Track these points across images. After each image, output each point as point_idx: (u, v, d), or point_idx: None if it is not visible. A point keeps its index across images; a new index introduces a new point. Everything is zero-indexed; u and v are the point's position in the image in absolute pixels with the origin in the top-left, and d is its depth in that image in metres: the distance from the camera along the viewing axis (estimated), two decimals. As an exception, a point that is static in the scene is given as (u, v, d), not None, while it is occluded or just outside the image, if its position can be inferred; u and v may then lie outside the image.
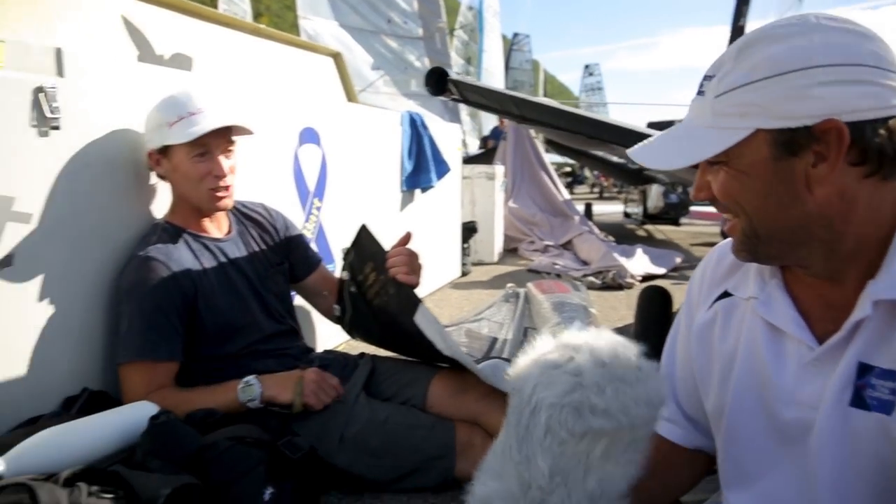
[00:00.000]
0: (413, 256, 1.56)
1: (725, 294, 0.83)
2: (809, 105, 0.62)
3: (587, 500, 0.75)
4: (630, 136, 1.60)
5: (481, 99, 1.80)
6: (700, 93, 0.71)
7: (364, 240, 1.66)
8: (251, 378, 1.43)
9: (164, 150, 1.51)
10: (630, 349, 0.76)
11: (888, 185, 0.65)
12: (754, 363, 0.76)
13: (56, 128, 1.36)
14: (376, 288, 1.61)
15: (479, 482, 0.82)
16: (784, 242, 0.70)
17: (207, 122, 1.48)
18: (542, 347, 0.79)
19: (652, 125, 8.15)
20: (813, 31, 0.64)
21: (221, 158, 1.53)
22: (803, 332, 0.72)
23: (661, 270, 4.42)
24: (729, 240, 0.89)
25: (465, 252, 4.40)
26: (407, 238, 1.58)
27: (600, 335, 0.78)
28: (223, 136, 1.53)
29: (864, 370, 0.67)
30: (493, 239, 4.97)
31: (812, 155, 0.64)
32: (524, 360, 0.79)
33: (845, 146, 0.62)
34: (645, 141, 0.77)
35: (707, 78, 0.70)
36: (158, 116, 1.49)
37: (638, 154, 0.76)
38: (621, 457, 0.75)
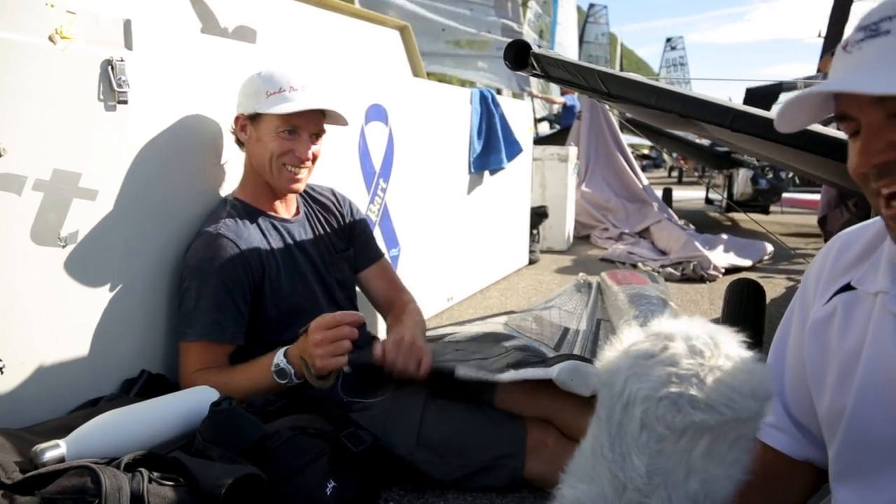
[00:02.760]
0: (405, 350, 1.43)
1: (847, 287, 0.76)
2: None
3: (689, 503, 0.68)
4: (733, 116, 1.43)
5: (565, 74, 1.66)
6: (877, 34, 0.60)
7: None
8: (282, 361, 1.34)
9: (254, 118, 1.49)
10: (729, 338, 0.70)
11: None
12: (883, 364, 0.69)
13: (123, 102, 1.34)
14: (392, 387, 1.50)
15: (566, 485, 0.77)
16: None
17: (305, 101, 1.46)
18: (632, 337, 0.75)
19: (750, 91, 7.58)
20: None
21: (308, 141, 1.51)
22: None
23: (748, 262, 4.12)
24: (854, 228, 0.81)
25: (533, 239, 4.26)
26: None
27: (695, 323, 0.71)
28: (314, 121, 1.51)
29: None
30: (564, 225, 4.79)
31: None
32: (613, 352, 0.74)
33: None
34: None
35: (884, 20, 0.59)
36: (258, 83, 1.47)
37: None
38: (726, 456, 0.69)
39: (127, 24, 1.35)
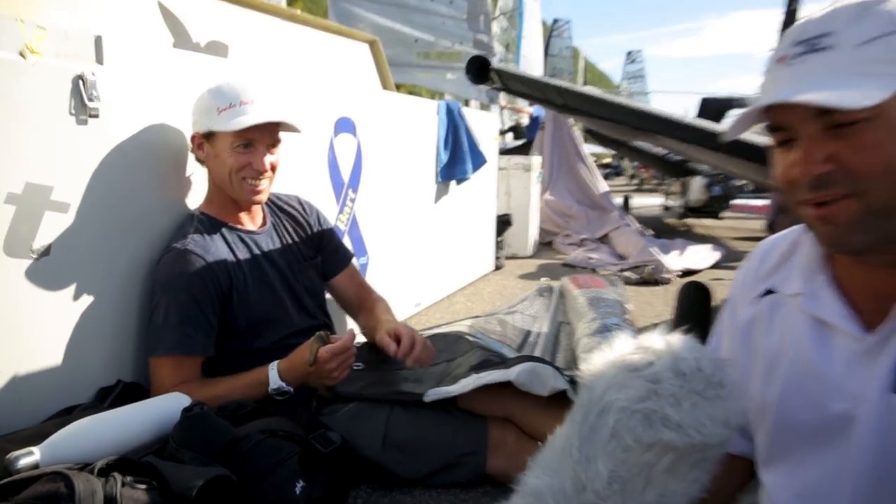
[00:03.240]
0: (420, 344, 1.54)
1: (770, 291, 0.82)
2: None
3: None
4: (678, 128, 1.53)
5: (523, 88, 1.75)
6: (818, 49, 0.63)
7: None
8: (283, 386, 1.40)
9: (209, 136, 1.50)
10: (715, 364, 0.73)
11: None
12: (801, 359, 0.75)
13: (95, 116, 1.35)
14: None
15: (532, 474, 0.80)
16: None
17: (256, 115, 1.46)
18: (621, 347, 0.76)
19: (708, 101, 7.81)
20: None
21: (264, 152, 1.52)
22: (851, 324, 0.71)
23: (701, 266, 4.27)
24: (775, 236, 0.87)
25: (499, 245, 4.33)
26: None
27: (686, 343, 0.74)
28: (269, 132, 1.52)
29: None
30: (528, 232, 4.89)
31: None
32: (601, 358, 0.76)
33: None
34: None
35: (823, 36, 0.63)
36: (210, 100, 1.48)
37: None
38: (686, 475, 0.73)
39: (98, 40, 1.36)
